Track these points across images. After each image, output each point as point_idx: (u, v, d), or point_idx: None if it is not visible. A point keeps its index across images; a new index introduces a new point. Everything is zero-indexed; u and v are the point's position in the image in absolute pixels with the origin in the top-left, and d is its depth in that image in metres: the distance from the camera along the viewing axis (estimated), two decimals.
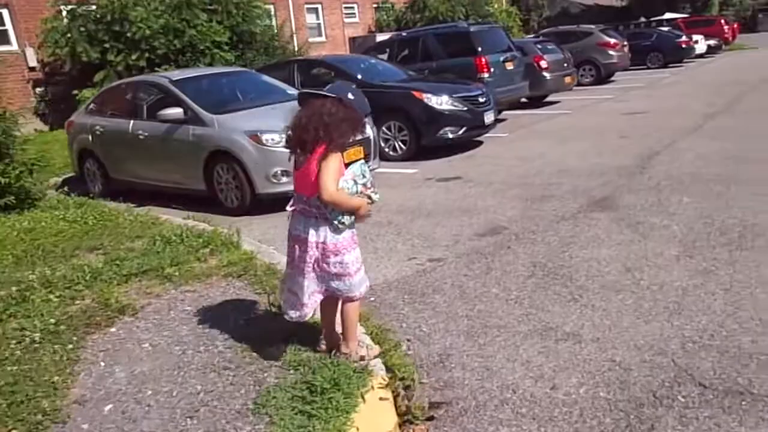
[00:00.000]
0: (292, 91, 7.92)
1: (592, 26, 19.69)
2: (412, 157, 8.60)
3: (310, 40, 25.33)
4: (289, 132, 2.68)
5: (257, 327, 3.27)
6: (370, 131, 7.00)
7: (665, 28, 25.88)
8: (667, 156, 7.35)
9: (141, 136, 7.11)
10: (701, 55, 25.54)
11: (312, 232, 2.62)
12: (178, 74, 7.78)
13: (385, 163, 8.41)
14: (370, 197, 2.71)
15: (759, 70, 18.02)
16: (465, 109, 8.61)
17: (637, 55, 21.77)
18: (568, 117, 11.88)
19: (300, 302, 2.70)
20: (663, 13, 35.24)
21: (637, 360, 2.89)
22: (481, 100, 8.92)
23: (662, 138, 8.51)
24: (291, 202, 2.73)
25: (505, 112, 12.56)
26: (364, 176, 2.69)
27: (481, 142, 9.52)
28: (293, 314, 2.76)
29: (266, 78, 8.25)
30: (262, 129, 6.32)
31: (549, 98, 14.90)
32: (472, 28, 11.18)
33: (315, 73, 9.60)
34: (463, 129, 8.63)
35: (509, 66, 11.47)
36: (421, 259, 4.57)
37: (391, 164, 8.40)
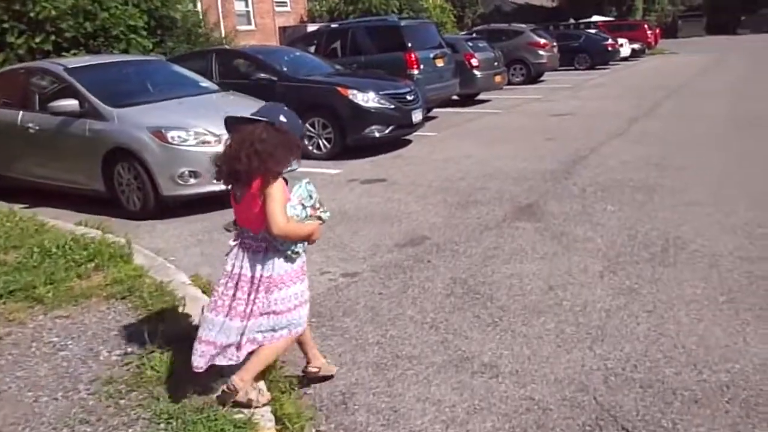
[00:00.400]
0: (207, 84, 7.38)
1: (524, 25, 19.86)
2: (336, 156, 8.21)
3: (239, 28, 24.41)
4: (218, 163, 2.44)
5: (133, 365, 2.81)
6: None
7: (593, 31, 26.57)
8: (592, 161, 7.29)
9: (31, 130, 6.38)
10: (626, 58, 26.39)
11: (259, 267, 2.42)
12: (75, 62, 7.07)
13: (308, 162, 7.97)
14: (320, 218, 2.52)
15: (679, 75, 18.70)
16: (392, 107, 8.29)
17: (565, 55, 22.18)
18: (497, 117, 11.81)
19: (234, 347, 2.45)
20: (591, 16, 36.27)
21: (557, 397, 2.64)
22: (409, 97, 8.63)
23: (588, 141, 8.50)
24: (234, 237, 2.49)
25: (435, 110, 12.38)
26: (311, 197, 2.49)
27: (409, 141, 9.25)
28: (223, 362, 2.49)
29: (178, 69, 7.63)
30: (167, 125, 5.76)
31: (480, 97, 14.87)
32: (402, 23, 10.89)
33: (235, 65, 9.04)
34: (390, 128, 8.32)
35: (439, 63, 11.25)
36: (335, 274, 4.20)
37: (314, 163, 7.97)
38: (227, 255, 2.50)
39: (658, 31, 35.20)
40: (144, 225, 5.72)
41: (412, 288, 3.88)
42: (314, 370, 2.78)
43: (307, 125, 8.29)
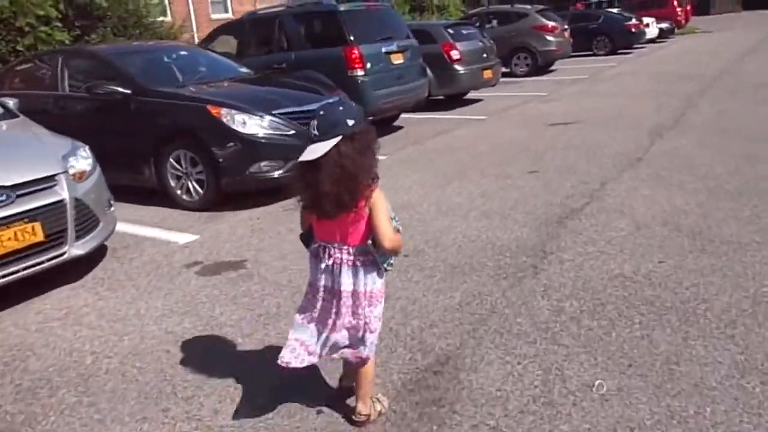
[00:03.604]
0: None
1: (528, 6, 16.85)
2: (212, 206, 5.59)
3: (214, 16, 21.88)
4: (310, 205, 2.19)
5: None
6: (64, 192, 3.93)
7: (614, 10, 23.35)
8: (587, 222, 4.51)
9: None
10: (653, 40, 23.17)
11: (361, 281, 2.23)
12: None
13: (171, 214, 5.44)
14: (398, 230, 2.26)
15: (715, 59, 15.57)
16: (292, 132, 5.57)
17: (582, 39, 19.22)
18: (478, 127, 9.00)
19: (315, 353, 2.33)
20: None
21: None
22: None
23: (589, 176, 5.70)
24: (328, 254, 2.22)
25: (405, 116, 9.70)
26: (392, 210, 2.26)
27: None
28: (298, 363, 2.32)
29: None
30: None
31: (470, 95, 12.09)
32: (341, 7, 8.10)
33: (86, 71, 6.37)
34: (291, 163, 5.62)
35: (397, 59, 8.49)
36: None
37: (168, 215, 5.41)
38: (319, 272, 2.26)
39: (689, 7, 31.61)
40: None
41: None
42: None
43: (172, 160, 5.68)
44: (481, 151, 7.25)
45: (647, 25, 22.01)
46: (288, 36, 8.40)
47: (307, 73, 7.42)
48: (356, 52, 7.75)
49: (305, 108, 5.78)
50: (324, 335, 2.28)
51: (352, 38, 7.82)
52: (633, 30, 20.54)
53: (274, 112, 5.55)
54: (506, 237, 4.34)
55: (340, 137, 2.04)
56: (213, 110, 5.41)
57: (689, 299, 3.21)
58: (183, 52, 7.03)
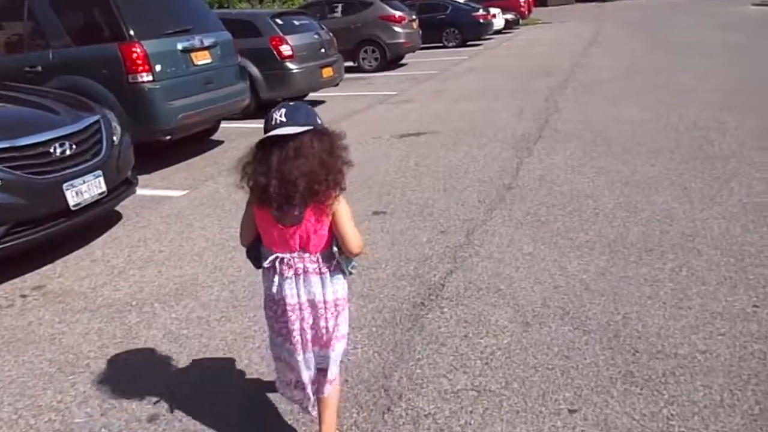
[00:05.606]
0: None
1: None
2: None
3: None
4: (264, 187, 1.81)
5: None
6: None
7: (461, 0, 22.82)
8: (450, 317, 2.99)
9: None
10: (499, 31, 22.98)
11: (329, 290, 1.98)
12: None
13: None
14: None
15: (562, 51, 15.21)
16: None
17: (432, 30, 18.30)
18: None
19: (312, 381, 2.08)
20: None
21: None
22: (59, 152, 3.87)
23: (449, 220, 4.23)
24: (288, 264, 1.93)
25: (230, 125, 7.83)
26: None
27: (119, 218, 4.57)
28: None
29: None
30: None
31: (314, 95, 10.40)
32: None
33: None
34: (2, 229, 3.55)
35: (202, 58, 6.52)
36: None
37: None
38: (280, 287, 1.95)
39: None
40: None
41: None
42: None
43: None
44: None
45: (494, 16, 21.69)
46: (43, 28, 6.10)
47: (66, 80, 5.30)
48: (138, 50, 5.68)
49: (22, 142, 3.70)
50: (305, 355, 2.01)
51: (131, 32, 5.73)
52: (481, 21, 20.00)
53: None
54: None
55: (311, 127, 1.81)
56: None
57: None
58: None
